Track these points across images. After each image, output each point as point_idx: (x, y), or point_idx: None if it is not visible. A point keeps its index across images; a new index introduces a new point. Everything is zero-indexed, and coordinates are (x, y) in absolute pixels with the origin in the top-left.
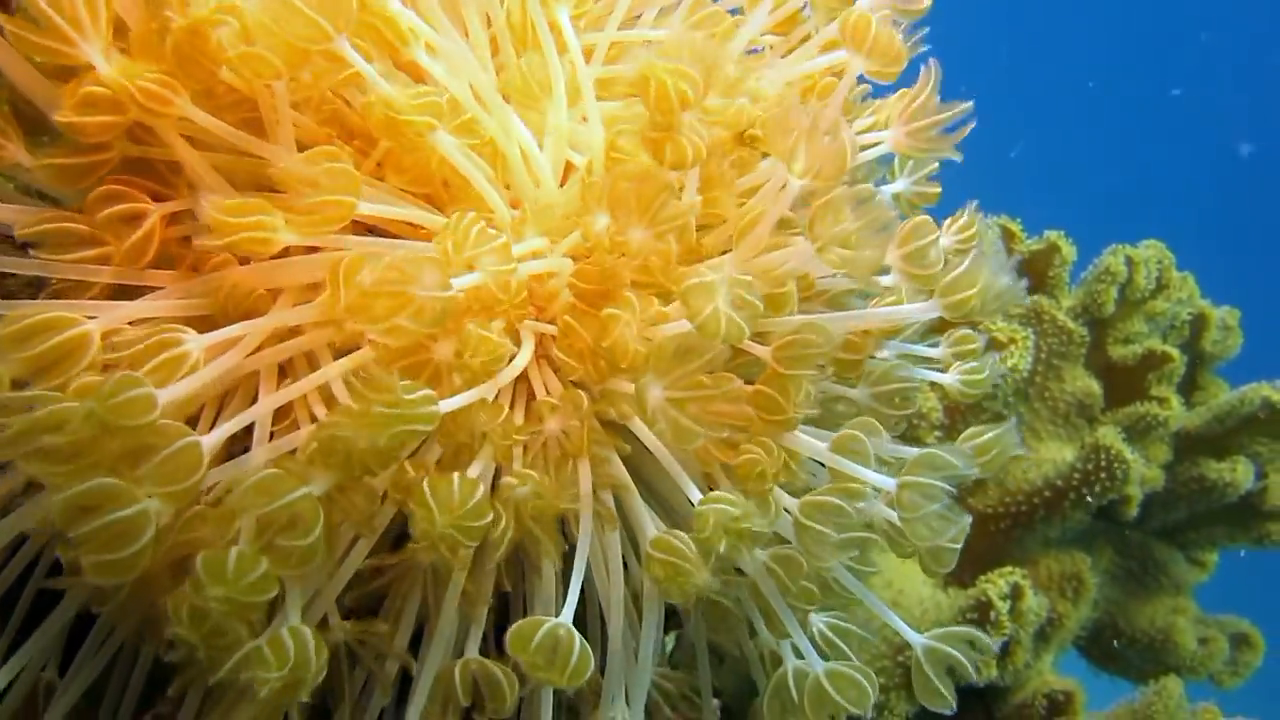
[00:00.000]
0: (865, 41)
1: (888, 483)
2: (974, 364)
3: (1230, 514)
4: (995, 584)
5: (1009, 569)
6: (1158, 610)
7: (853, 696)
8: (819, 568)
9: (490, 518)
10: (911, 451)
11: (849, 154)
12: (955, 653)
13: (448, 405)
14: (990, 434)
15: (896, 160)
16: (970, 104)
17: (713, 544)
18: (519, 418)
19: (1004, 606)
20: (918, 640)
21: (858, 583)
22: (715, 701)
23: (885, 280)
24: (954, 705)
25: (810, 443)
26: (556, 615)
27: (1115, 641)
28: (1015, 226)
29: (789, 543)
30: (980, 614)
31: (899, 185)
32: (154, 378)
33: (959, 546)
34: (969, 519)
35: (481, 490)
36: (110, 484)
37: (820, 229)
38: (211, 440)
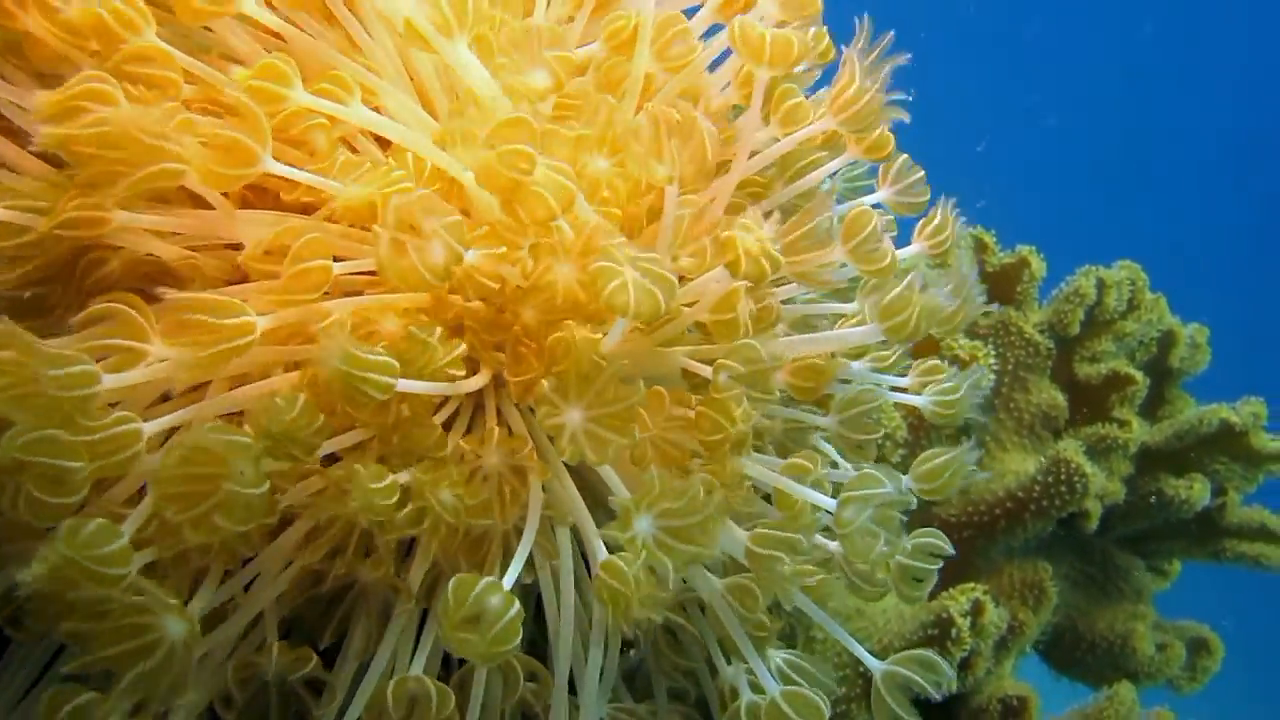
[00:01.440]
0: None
1: (830, 503)
2: (948, 384)
3: (1189, 528)
4: (957, 600)
5: (970, 586)
6: (1117, 616)
7: (809, 715)
8: (776, 594)
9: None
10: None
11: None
12: (915, 676)
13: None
14: (942, 459)
15: (882, 169)
16: (902, 57)
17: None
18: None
19: (965, 624)
20: (877, 666)
21: (815, 608)
22: None
23: (847, 307)
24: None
25: (757, 467)
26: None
27: (1075, 647)
28: (988, 238)
29: (746, 571)
30: (941, 630)
31: (883, 194)
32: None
33: (933, 569)
34: (907, 542)
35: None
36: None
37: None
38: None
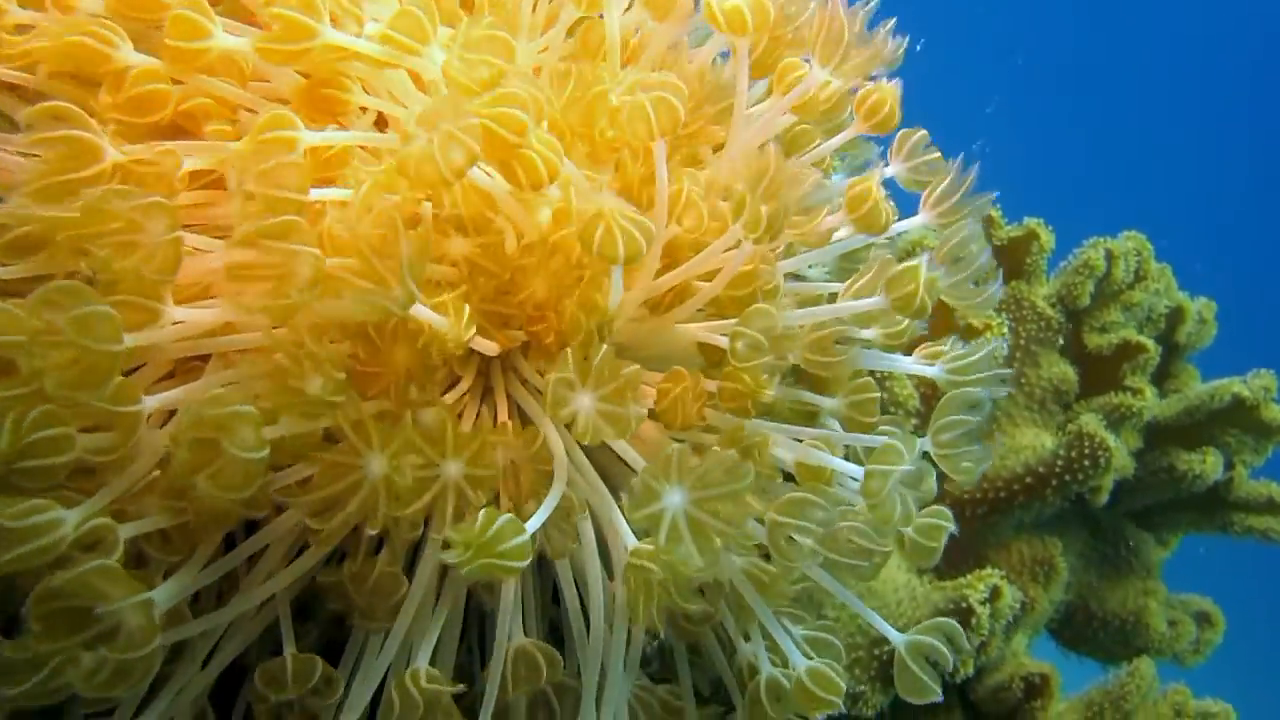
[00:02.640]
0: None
1: (856, 470)
2: (961, 352)
3: (1197, 502)
4: (975, 588)
5: (988, 572)
6: (1129, 593)
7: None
8: (794, 571)
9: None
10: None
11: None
12: (938, 644)
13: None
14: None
15: (894, 142)
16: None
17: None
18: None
19: (984, 611)
20: (899, 638)
21: (834, 581)
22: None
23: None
24: (940, 695)
25: (779, 437)
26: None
27: (1087, 625)
28: (995, 213)
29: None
30: (961, 618)
31: (895, 168)
32: None
33: (937, 545)
34: (949, 516)
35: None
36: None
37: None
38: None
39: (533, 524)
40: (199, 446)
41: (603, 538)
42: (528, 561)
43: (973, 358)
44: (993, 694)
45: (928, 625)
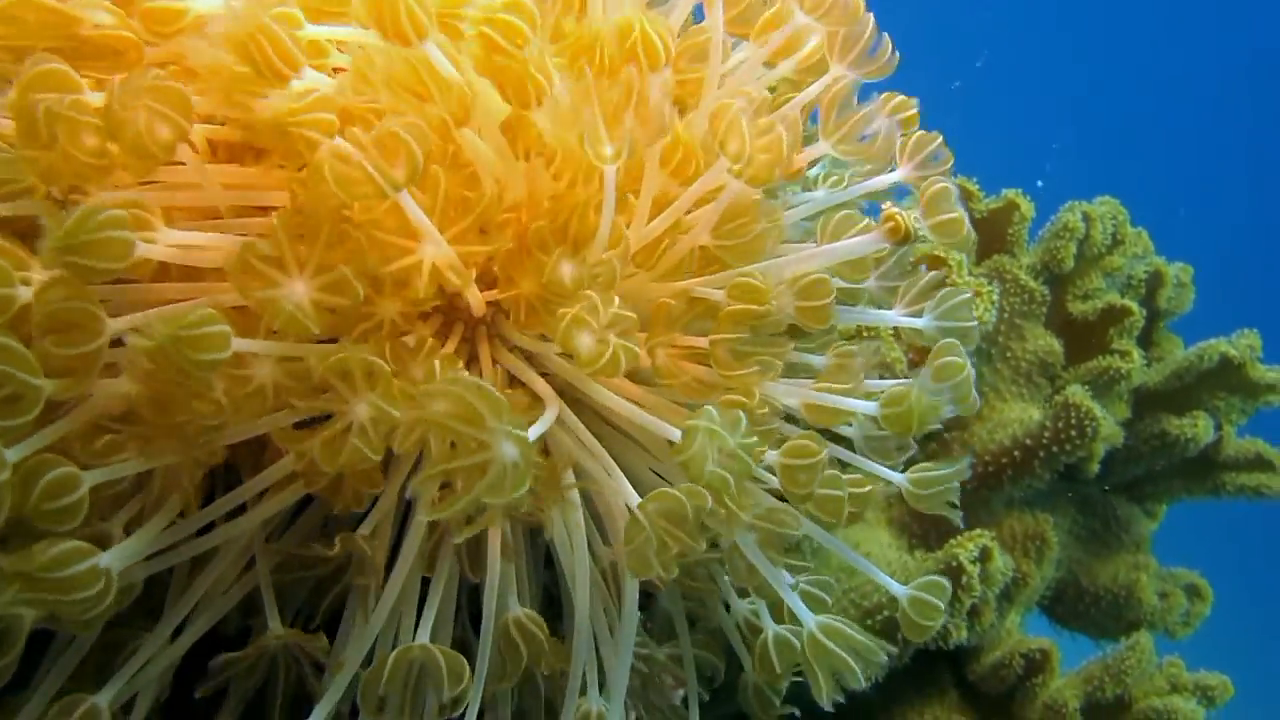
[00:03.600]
0: None
1: (868, 407)
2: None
3: (1187, 467)
4: (965, 548)
5: (978, 532)
6: (1120, 567)
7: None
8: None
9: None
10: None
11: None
12: (935, 600)
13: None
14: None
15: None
16: None
17: (702, 463)
18: None
19: (975, 570)
20: (901, 590)
21: (831, 537)
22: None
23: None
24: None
25: (782, 385)
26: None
27: (1079, 600)
28: (972, 186)
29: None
30: (952, 578)
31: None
32: None
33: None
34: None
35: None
36: None
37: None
38: None
39: (535, 431)
40: (160, 353)
41: (593, 504)
42: None
43: (957, 295)
44: (992, 672)
45: (925, 582)
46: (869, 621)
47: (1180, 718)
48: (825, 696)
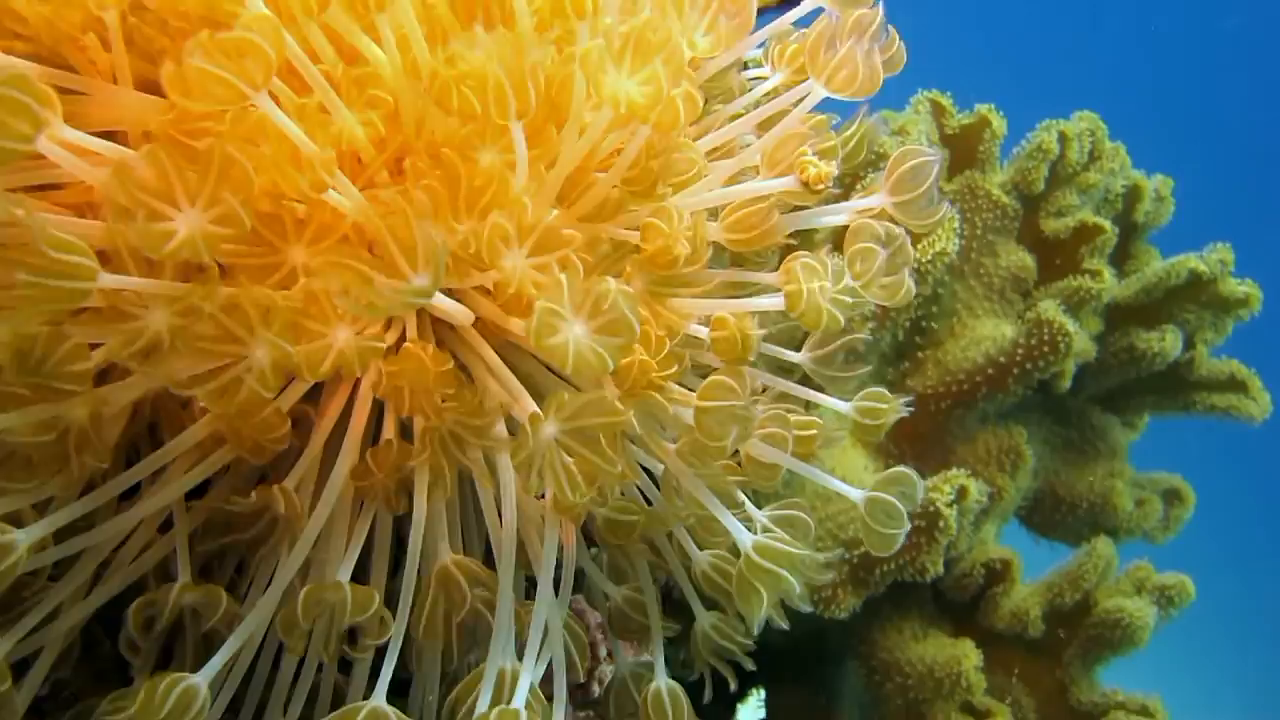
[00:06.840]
0: None
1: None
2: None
3: (1159, 382)
4: (942, 491)
5: (954, 473)
6: (1095, 476)
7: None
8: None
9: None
10: None
11: None
12: (894, 499)
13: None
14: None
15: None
16: None
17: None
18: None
19: (951, 514)
20: (858, 495)
21: (791, 458)
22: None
23: None
24: (903, 539)
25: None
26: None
27: (1055, 510)
28: (945, 100)
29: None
30: (929, 521)
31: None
32: None
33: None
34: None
35: None
36: None
37: None
38: None
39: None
40: None
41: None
42: None
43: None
44: (957, 581)
45: (882, 479)
46: (849, 555)
47: (1129, 618)
48: (760, 617)
